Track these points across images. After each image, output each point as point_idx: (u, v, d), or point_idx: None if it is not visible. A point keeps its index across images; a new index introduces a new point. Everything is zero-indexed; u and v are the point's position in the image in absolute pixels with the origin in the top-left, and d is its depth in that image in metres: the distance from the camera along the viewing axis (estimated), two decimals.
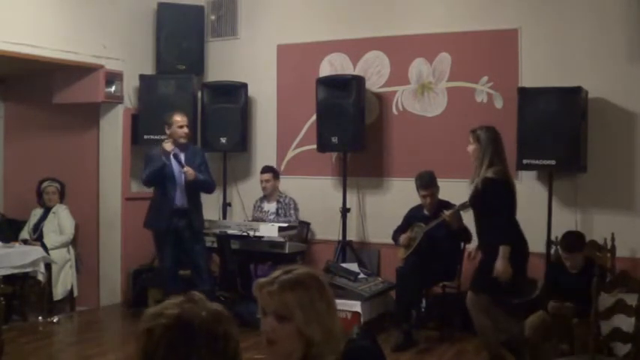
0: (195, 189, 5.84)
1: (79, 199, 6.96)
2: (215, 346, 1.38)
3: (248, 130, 7.19)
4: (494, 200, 4.57)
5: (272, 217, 6.65)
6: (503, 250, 4.52)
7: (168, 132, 5.77)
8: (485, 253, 4.76)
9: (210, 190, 6.03)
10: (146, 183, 5.89)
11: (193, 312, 1.38)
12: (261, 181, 6.71)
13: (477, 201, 4.74)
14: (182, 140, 5.74)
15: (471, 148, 4.74)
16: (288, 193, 6.77)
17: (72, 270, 6.61)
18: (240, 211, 7.14)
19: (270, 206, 6.74)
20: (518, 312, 5.22)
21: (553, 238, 5.53)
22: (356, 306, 5.72)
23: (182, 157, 5.76)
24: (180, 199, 5.76)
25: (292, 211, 6.66)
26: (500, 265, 4.53)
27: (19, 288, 6.05)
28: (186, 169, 5.68)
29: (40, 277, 6.10)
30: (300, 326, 1.80)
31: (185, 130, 5.75)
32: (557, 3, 5.98)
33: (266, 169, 6.75)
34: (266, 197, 6.77)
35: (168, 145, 5.67)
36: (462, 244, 5.74)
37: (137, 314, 6.51)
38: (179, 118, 5.76)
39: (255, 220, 6.66)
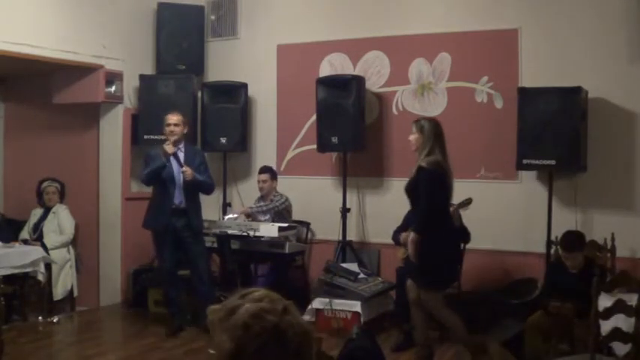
0: (194, 189, 5.85)
1: (79, 199, 6.96)
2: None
3: (248, 130, 7.19)
4: (421, 188, 4.65)
5: (266, 217, 6.63)
6: (413, 236, 4.71)
7: (164, 131, 5.81)
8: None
9: (208, 191, 6.04)
10: (145, 182, 5.91)
11: (289, 324, 1.47)
12: (259, 182, 6.70)
13: (409, 188, 4.84)
14: (174, 138, 5.76)
15: (412, 137, 4.79)
16: (287, 194, 6.74)
17: (72, 270, 6.61)
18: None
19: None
20: (518, 312, 5.23)
21: (553, 238, 5.52)
22: (356, 306, 5.73)
23: (181, 156, 5.78)
24: (178, 197, 5.77)
25: (277, 203, 6.57)
26: (409, 248, 4.79)
27: (19, 288, 6.05)
28: (185, 169, 5.69)
29: (40, 277, 6.10)
30: None
31: (171, 128, 5.75)
32: (557, 3, 5.98)
33: (264, 170, 6.73)
34: (263, 197, 6.76)
35: (169, 148, 5.68)
36: (462, 244, 5.74)
37: (137, 314, 6.53)
38: (170, 117, 5.80)
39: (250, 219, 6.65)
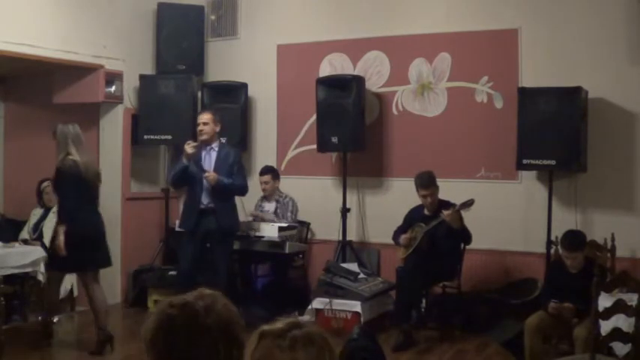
0: (223, 191, 5.70)
1: None
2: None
3: (248, 130, 7.19)
4: (57, 186, 5.36)
5: (271, 216, 6.63)
6: (58, 229, 5.27)
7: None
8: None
9: (240, 192, 5.90)
10: (171, 184, 5.81)
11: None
12: (261, 183, 6.69)
13: (53, 188, 5.63)
14: (203, 137, 5.69)
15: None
16: (288, 193, 6.74)
17: None
18: (241, 210, 7.11)
19: (270, 206, 6.72)
20: (518, 312, 5.23)
21: (553, 238, 5.53)
22: (356, 306, 5.72)
23: (214, 155, 5.69)
24: (205, 198, 5.66)
25: (289, 213, 6.61)
26: (57, 241, 5.27)
27: (19, 288, 6.04)
28: (207, 174, 5.59)
29: (40, 277, 6.08)
30: None
31: (200, 127, 5.67)
32: (557, 3, 5.99)
33: (265, 171, 6.72)
34: (266, 197, 6.75)
35: (188, 148, 5.57)
36: (462, 244, 5.74)
37: (137, 314, 6.52)
38: (199, 116, 5.76)
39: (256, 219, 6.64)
